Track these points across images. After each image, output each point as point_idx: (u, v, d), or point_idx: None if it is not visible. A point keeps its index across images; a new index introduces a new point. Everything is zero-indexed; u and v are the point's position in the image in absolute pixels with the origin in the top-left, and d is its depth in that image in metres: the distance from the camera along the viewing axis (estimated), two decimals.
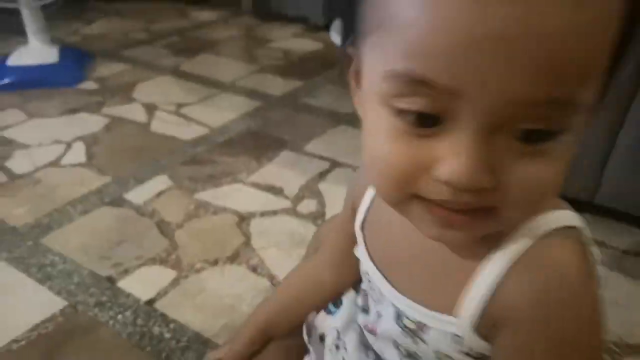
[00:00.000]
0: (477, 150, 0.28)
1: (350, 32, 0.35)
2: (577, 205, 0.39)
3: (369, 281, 0.46)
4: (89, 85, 1.66)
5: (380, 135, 0.31)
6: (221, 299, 0.85)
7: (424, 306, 0.39)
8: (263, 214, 1.06)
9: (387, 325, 0.43)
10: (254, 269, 0.91)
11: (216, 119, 1.45)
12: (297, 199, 1.11)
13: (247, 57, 1.92)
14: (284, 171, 1.21)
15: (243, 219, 1.04)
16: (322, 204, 1.09)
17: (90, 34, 2.16)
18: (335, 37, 1.44)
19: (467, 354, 0.38)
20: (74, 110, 1.49)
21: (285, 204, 1.09)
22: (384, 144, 0.31)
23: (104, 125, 1.41)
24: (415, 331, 0.40)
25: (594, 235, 0.38)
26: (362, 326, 0.49)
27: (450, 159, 0.28)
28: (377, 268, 0.44)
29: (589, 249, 0.36)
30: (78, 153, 1.28)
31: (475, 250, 0.36)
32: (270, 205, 1.08)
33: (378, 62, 0.30)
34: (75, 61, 1.74)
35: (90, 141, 1.33)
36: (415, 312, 0.40)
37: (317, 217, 1.05)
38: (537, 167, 0.29)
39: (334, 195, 1.12)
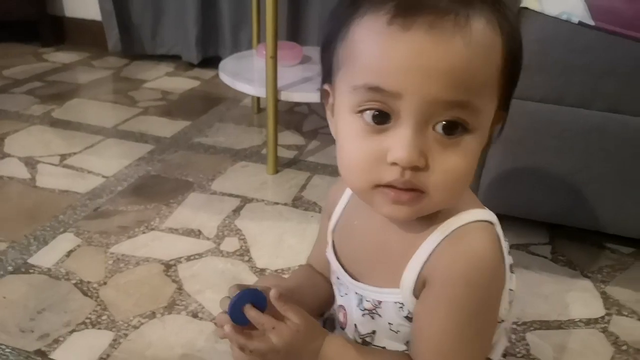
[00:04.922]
0: (413, 138, 0.40)
1: (327, 74, 0.48)
2: None
3: (338, 278, 0.56)
4: None
5: (349, 137, 0.44)
6: (172, 349, 0.84)
7: (378, 287, 0.51)
8: (188, 259, 1.06)
9: (351, 311, 0.55)
10: (194, 315, 0.92)
11: (109, 166, 1.39)
12: (218, 238, 1.13)
13: (123, 99, 1.85)
14: (197, 213, 1.22)
15: (169, 267, 1.03)
16: (243, 239, 1.13)
17: None
18: (225, 77, 1.48)
19: (407, 317, 0.50)
20: None
21: (208, 245, 1.10)
22: (351, 143, 0.43)
23: None
24: (372, 309, 0.52)
25: None
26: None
27: (396, 146, 0.41)
28: (342, 265, 0.55)
29: (500, 241, 0.49)
30: None
31: (414, 239, 0.48)
32: (194, 249, 1.09)
33: (346, 83, 0.43)
34: None
35: None
36: (372, 293, 0.52)
37: (242, 253, 1.08)
38: (454, 158, 0.42)
39: (253, 230, 1.16)
